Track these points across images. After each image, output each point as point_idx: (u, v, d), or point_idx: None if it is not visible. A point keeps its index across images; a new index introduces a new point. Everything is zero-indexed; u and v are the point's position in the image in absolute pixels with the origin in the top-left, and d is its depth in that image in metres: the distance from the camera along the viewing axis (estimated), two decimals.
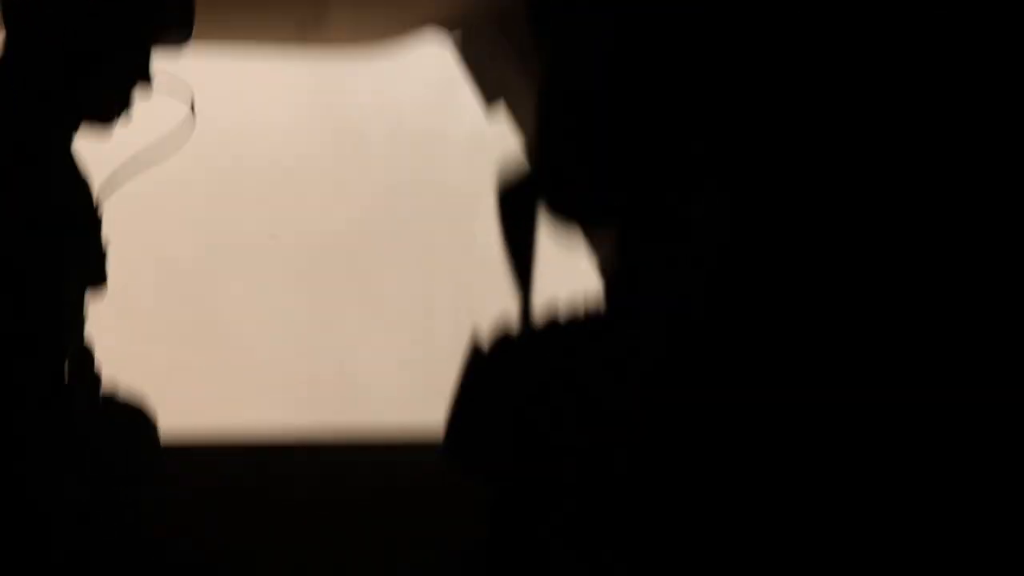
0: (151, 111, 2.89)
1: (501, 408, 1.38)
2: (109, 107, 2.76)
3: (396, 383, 6.87)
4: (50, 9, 2.67)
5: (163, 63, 2.85)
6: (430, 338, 7.24)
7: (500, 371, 1.37)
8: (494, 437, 1.38)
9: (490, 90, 4.63)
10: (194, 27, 2.80)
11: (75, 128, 2.78)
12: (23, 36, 2.67)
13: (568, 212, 1.36)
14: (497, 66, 4.53)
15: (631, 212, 1.33)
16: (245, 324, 7.08)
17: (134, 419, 2.92)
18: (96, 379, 2.84)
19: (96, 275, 2.77)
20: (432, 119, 7.08)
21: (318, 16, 4.40)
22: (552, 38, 1.36)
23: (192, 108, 2.94)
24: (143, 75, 2.75)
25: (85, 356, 2.82)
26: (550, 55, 1.36)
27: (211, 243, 7.15)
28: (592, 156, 1.32)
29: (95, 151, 2.87)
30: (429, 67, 6.14)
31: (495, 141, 4.94)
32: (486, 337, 1.38)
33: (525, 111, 4.48)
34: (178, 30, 2.78)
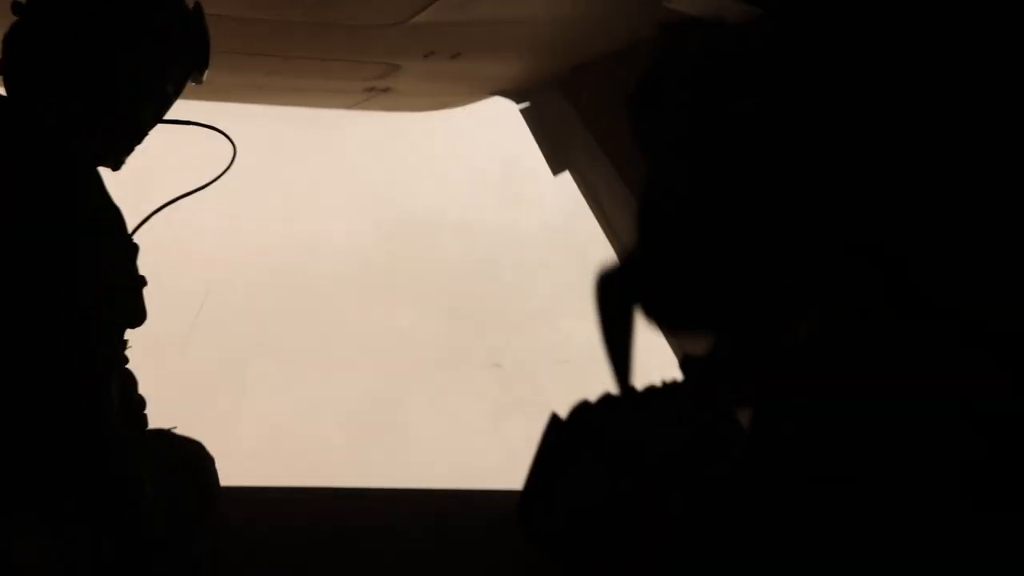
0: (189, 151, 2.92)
1: (574, 486, 1.39)
2: (127, 142, 2.78)
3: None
4: (67, 48, 2.66)
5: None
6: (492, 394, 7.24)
7: (578, 449, 1.38)
8: (564, 514, 1.39)
9: (557, 154, 4.67)
10: (208, 67, 2.82)
11: (98, 163, 2.77)
12: (43, 73, 2.66)
13: (663, 316, 1.39)
14: (563, 132, 4.57)
15: (725, 323, 1.36)
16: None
17: (193, 458, 2.92)
18: (140, 414, 2.81)
19: (133, 309, 2.76)
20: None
21: (386, 83, 4.46)
22: (652, 151, 1.38)
23: (233, 150, 2.98)
24: (160, 111, 2.77)
25: (127, 388, 2.80)
26: (650, 167, 1.38)
27: (265, 286, 7.19)
28: (687, 266, 1.35)
29: (127, 184, 2.90)
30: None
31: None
32: (565, 413, 1.40)
33: (589, 174, 4.51)
34: (195, 70, 2.80)
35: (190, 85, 3.02)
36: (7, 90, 2.73)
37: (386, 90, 4.53)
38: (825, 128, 1.31)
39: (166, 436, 2.91)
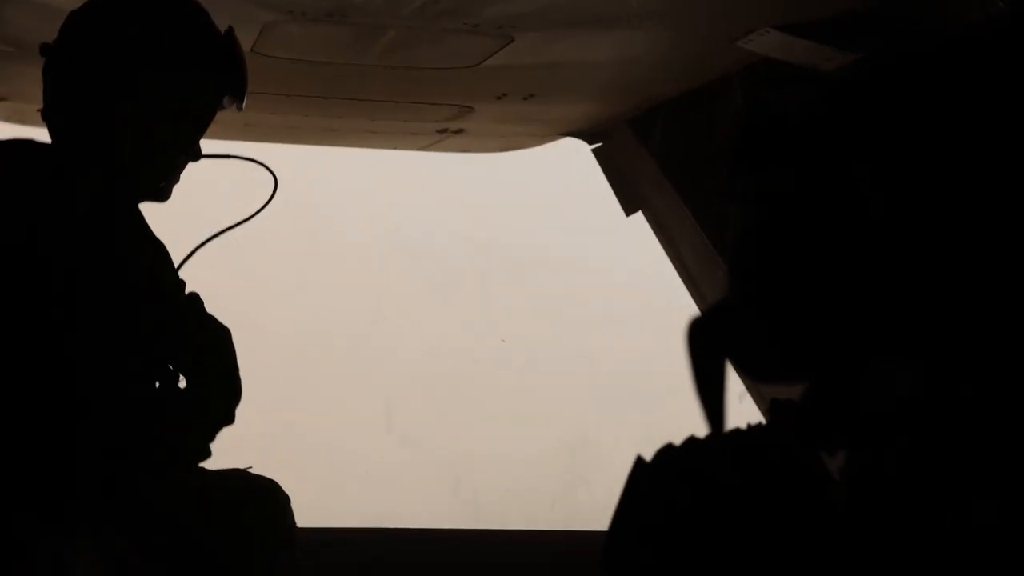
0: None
1: (660, 528, 1.38)
2: (166, 175, 2.77)
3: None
4: (95, 85, 2.67)
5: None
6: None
7: (664, 491, 1.38)
8: (644, 556, 1.39)
9: (628, 194, 4.67)
10: (246, 93, 2.80)
11: (138, 198, 2.79)
12: (82, 109, 2.68)
13: (752, 369, 1.39)
14: (635, 173, 4.57)
15: (815, 374, 1.36)
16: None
17: (268, 497, 2.90)
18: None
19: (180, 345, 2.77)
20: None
21: (459, 124, 4.48)
22: (742, 202, 1.38)
23: (275, 184, 2.99)
24: (194, 138, 2.77)
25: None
26: (741, 218, 1.37)
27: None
28: (778, 321, 1.34)
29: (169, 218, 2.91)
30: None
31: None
32: (652, 456, 1.40)
33: (662, 215, 4.51)
34: (231, 96, 2.81)
35: (264, 126, 3.05)
36: (50, 133, 2.77)
37: (459, 131, 4.55)
38: (921, 191, 1.31)
39: (241, 476, 2.92)
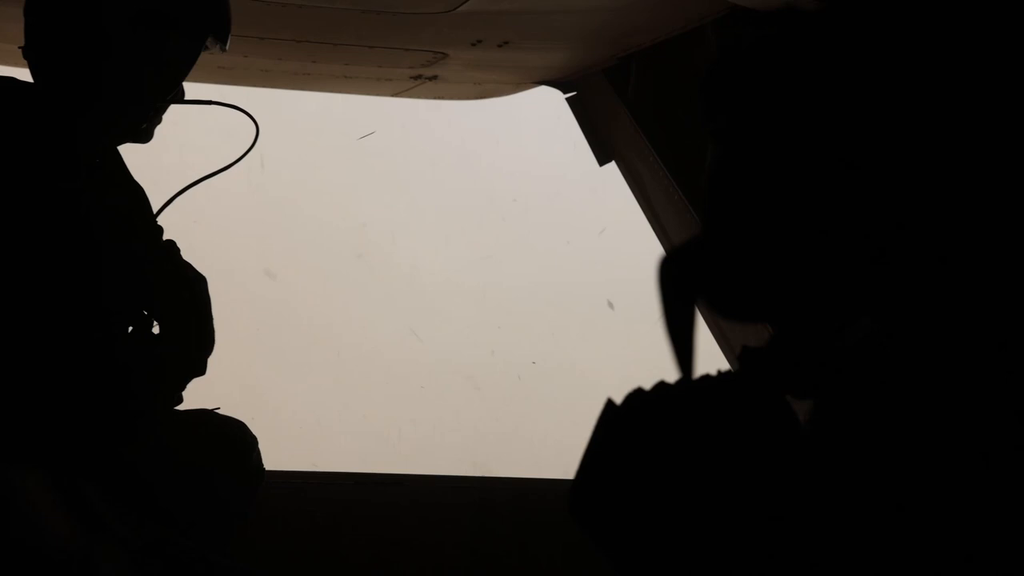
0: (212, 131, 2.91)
1: (627, 474, 1.39)
2: (148, 116, 2.77)
3: None
4: (74, 23, 2.66)
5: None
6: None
7: (631, 437, 1.38)
8: (611, 500, 1.39)
9: (602, 144, 4.67)
10: (229, 35, 2.79)
11: (119, 140, 2.80)
12: (59, 55, 2.67)
13: (723, 309, 1.39)
14: (609, 122, 4.57)
15: (782, 317, 1.36)
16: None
17: (235, 438, 2.92)
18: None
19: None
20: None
21: (433, 70, 4.46)
22: (718, 136, 1.38)
23: (256, 129, 2.97)
24: (175, 80, 2.76)
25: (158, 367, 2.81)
26: (711, 159, 1.38)
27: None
28: (751, 261, 1.35)
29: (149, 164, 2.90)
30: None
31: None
32: (622, 401, 1.40)
33: (635, 165, 4.51)
34: (214, 38, 2.77)
35: (237, 69, 3.03)
36: (32, 72, 2.74)
37: (433, 78, 4.53)
38: (897, 123, 1.31)
39: (208, 416, 2.92)
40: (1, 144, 2.62)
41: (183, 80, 2.80)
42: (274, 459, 3.12)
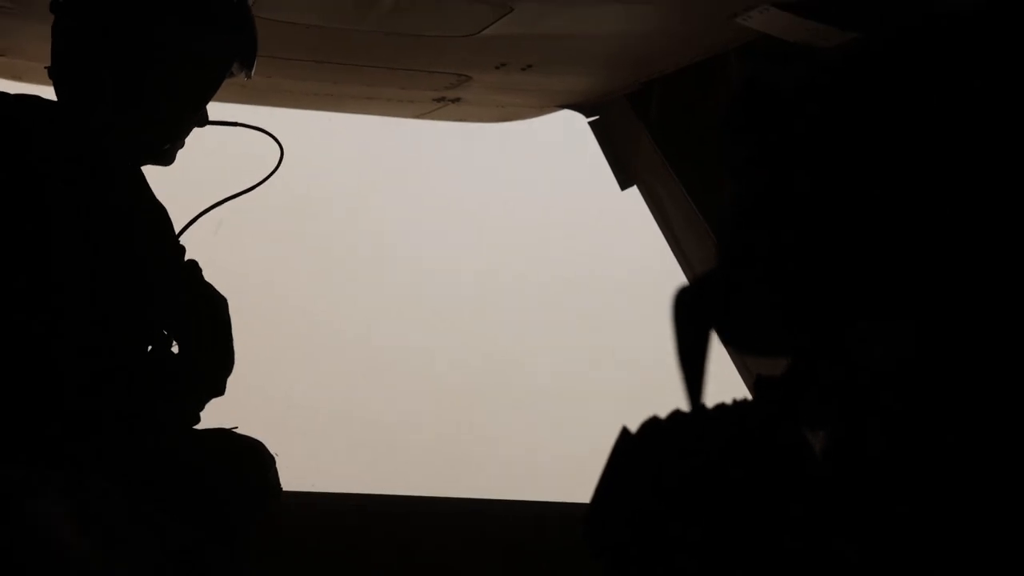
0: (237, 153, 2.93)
1: (636, 500, 1.39)
2: (166, 136, 2.78)
3: None
4: (102, 45, 2.66)
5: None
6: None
7: (646, 465, 1.38)
8: (624, 528, 1.39)
9: (624, 168, 4.67)
10: (255, 61, 2.80)
11: (142, 161, 2.80)
12: (88, 65, 2.68)
13: (735, 339, 1.39)
14: (631, 146, 4.58)
15: (799, 348, 1.36)
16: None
17: (252, 457, 2.91)
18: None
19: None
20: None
21: (456, 93, 4.47)
22: (733, 174, 1.38)
23: (281, 152, 2.98)
24: (200, 104, 2.77)
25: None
26: (731, 193, 1.38)
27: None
28: (765, 295, 1.35)
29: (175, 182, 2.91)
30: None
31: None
32: (637, 427, 1.40)
33: (657, 190, 4.52)
34: (240, 64, 2.79)
35: (258, 89, 3.03)
36: (57, 92, 2.76)
37: (456, 100, 4.54)
38: (915, 168, 1.31)
39: (226, 435, 2.92)
40: (29, 160, 2.64)
41: (208, 102, 2.82)
42: (290, 477, 3.12)
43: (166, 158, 2.83)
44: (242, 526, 2.87)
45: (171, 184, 2.94)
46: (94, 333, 2.64)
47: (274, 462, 2.96)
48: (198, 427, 2.87)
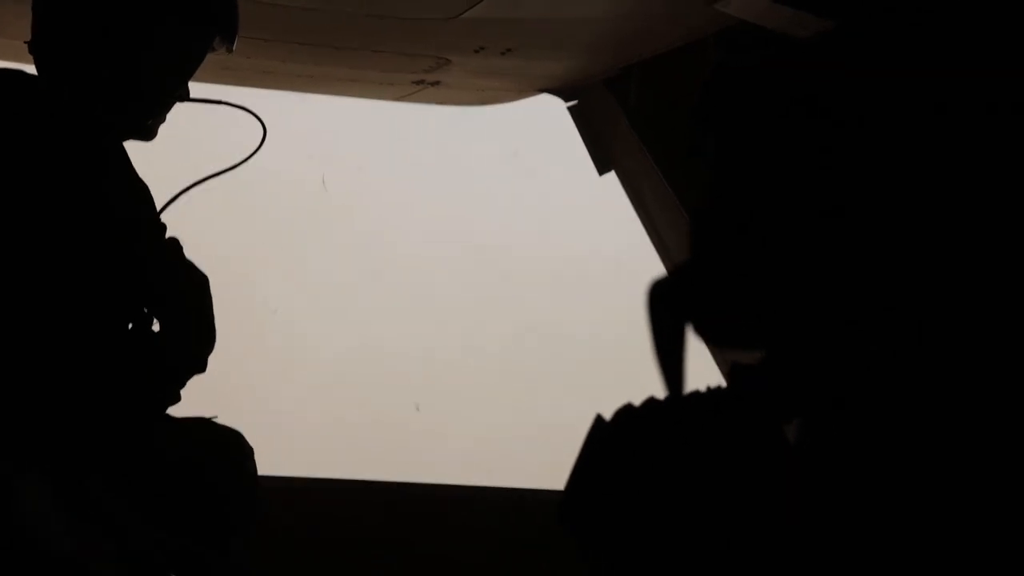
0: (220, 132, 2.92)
1: (616, 487, 1.41)
2: (149, 111, 2.78)
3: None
4: (87, 20, 2.66)
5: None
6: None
7: (621, 451, 1.40)
8: (599, 513, 1.41)
9: (602, 154, 4.68)
10: (236, 35, 2.80)
11: (124, 136, 2.80)
12: (68, 44, 2.68)
13: (710, 328, 1.41)
14: (610, 131, 4.58)
15: (774, 337, 1.38)
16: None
17: (232, 447, 2.91)
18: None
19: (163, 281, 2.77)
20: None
21: (436, 76, 4.48)
22: (708, 162, 1.39)
23: (263, 132, 2.98)
24: (182, 79, 2.77)
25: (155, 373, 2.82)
26: (705, 178, 1.39)
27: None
28: (738, 279, 1.36)
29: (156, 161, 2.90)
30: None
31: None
32: (612, 416, 1.42)
33: (634, 176, 4.53)
34: (222, 38, 2.79)
35: (240, 69, 3.03)
36: (37, 66, 2.75)
37: (435, 83, 4.55)
38: (892, 154, 1.32)
39: (205, 424, 2.93)
40: (8, 136, 2.64)
41: (190, 77, 2.82)
42: (271, 464, 3.12)
43: (148, 133, 2.83)
44: (242, 524, 2.88)
45: (153, 161, 2.94)
46: (76, 312, 2.63)
47: (253, 452, 2.97)
48: (177, 414, 2.87)
